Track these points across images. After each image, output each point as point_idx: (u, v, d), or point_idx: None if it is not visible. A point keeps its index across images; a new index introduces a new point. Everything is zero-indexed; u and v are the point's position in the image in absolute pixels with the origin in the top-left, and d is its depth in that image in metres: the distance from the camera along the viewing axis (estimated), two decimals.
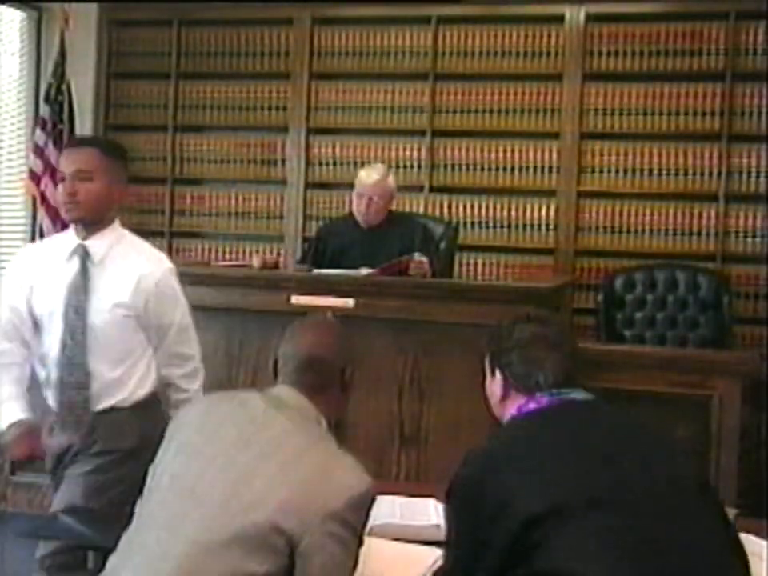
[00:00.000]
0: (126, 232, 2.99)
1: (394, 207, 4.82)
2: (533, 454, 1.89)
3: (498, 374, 2.08)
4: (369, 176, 4.60)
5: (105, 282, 2.85)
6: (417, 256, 4.30)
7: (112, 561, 1.99)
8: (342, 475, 1.93)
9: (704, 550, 1.80)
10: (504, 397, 2.07)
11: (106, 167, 2.88)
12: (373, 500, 1.96)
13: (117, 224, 2.96)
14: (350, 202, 4.88)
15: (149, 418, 2.85)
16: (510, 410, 2.06)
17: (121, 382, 2.86)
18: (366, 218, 4.60)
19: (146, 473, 2.08)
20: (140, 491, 2.06)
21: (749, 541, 2.20)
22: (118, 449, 2.85)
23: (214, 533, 1.87)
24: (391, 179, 4.66)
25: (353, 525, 1.91)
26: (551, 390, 2.01)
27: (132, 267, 2.87)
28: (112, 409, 2.87)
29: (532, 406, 2.02)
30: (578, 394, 2.03)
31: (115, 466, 2.83)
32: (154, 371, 2.93)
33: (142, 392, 2.90)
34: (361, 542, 1.96)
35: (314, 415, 2.08)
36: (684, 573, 1.77)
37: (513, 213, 5.49)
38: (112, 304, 2.83)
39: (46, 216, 5.42)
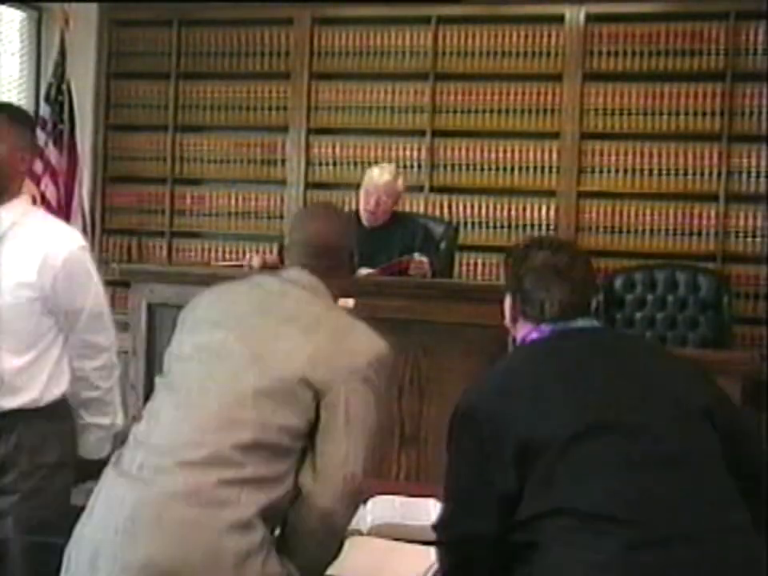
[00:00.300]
0: (35, 208, 2.76)
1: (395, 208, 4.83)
2: (530, 383, 1.92)
3: (509, 296, 2.11)
4: (381, 176, 4.59)
5: (7, 259, 2.54)
6: (417, 256, 4.30)
7: (139, 428, 2.00)
8: (362, 337, 2.03)
9: (698, 478, 1.81)
10: (513, 320, 2.10)
11: (10, 132, 2.60)
12: (390, 365, 2.04)
13: (25, 198, 2.67)
14: (350, 202, 4.89)
15: (66, 428, 2.65)
16: (519, 335, 2.10)
17: (30, 376, 2.55)
18: (372, 216, 4.59)
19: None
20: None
21: None
22: (43, 463, 2.58)
23: (244, 387, 1.92)
24: (401, 181, 4.66)
25: (375, 383, 1.99)
26: (555, 320, 2.02)
27: (38, 244, 2.55)
28: (22, 411, 2.55)
29: (534, 335, 2.04)
30: (584, 322, 2.03)
31: (43, 484, 2.58)
32: (67, 366, 2.63)
33: (57, 391, 2.60)
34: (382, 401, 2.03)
35: (327, 292, 2.14)
36: (675, 498, 1.77)
37: (513, 213, 5.49)
38: (15, 284, 2.53)
39: None
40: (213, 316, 2.09)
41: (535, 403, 1.88)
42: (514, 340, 2.16)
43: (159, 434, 1.94)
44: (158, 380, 2.08)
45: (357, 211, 4.72)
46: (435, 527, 1.97)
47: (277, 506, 1.89)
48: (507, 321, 2.13)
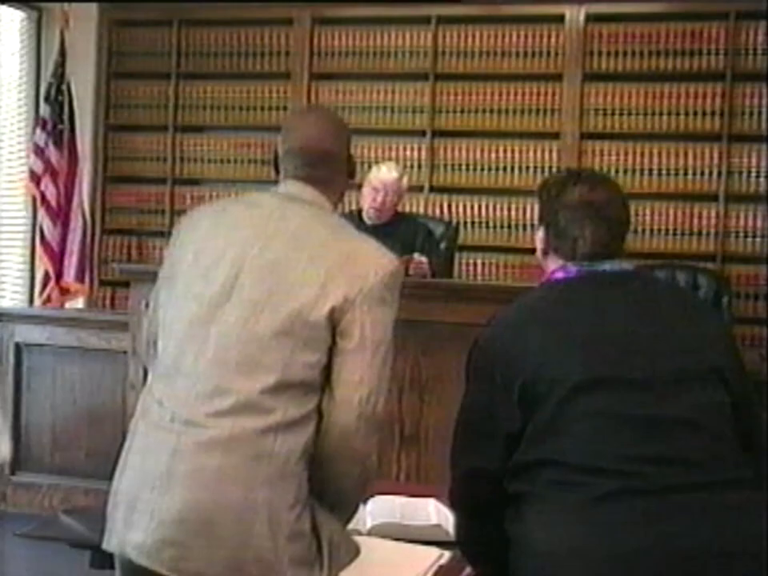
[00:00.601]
0: None
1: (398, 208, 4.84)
2: (545, 325, 1.90)
3: (542, 229, 2.05)
4: (389, 172, 4.61)
5: None
6: (417, 256, 4.31)
7: (160, 379, 1.96)
8: (371, 257, 1.97)
9: (697, 438, 1.80)
10: (544, 253, 2.05)
11: None
12: (401, 281, 2.01)
13: None
14: (350, 202, 4.89)
15: None
16: (547, 269, 2.05)
17: None
18: (378, 214, 4.59)
19: None
20: None
21: None
22: None
23: (261, 329, 1.88)
24: (406, 180, 4.68)
25: (390, 301, 1.97)
26: (583, 261, 1.97)
27: None
28: None
29: (560, 275, 2.00)
30: (613, 265, 1.98)
31: None
32: None
33: None
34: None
35: (328, 206, 2.07)
36: (671, 454, 1.78)
37: (513, 213, 5.49)
38: None
39: (46, 216, 5.43)
40: (215, 246, 1.98)
41: (546, 347, 1.87)
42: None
43: (184, 385, 1.90)
44: (161, 330, 2.01)
45: (359, 210, 4.73)
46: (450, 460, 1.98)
47: (311, 446, 1.90)
48: (538, 253, 2.08)
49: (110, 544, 1.95)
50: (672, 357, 1.86)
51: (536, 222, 2.08)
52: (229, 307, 1.91)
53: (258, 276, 1.92)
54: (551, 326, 1.90)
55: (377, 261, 1.96)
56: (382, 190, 4.55)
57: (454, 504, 2.02)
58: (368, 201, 4.60)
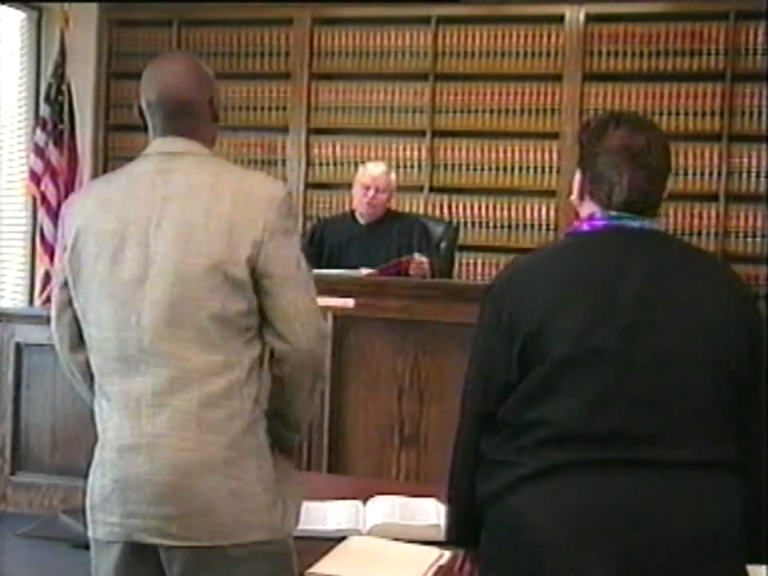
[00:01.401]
0: None
1: (393, 207, 4.84)
2: (557, 280, 1.86)
3: (579, 172, 2.00)
4: (376, 168, 4.67)
5: None
6: (417, 256, 4.31)
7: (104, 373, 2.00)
8: (261, 191, 1.98)
9: (683, 418, 1.78)
10: (581, 197, 1.99)
11: None
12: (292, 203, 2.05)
13: None
14: (350, 202, 4.89)
15: None
16: (582, 214, 1.99)
17: None
18: (368, 210, 4.62)
19: None
20: None
21: None
22: None
23: (187, 299, 1.91)
24: (393, 177, 4.74)
25: (290, 227, 2.00)
26: (618, 209, 1.91)
27: None
28: None
29: (585, 227, 1.94)
30: (643, 223, 1.93)
31: None
32: None
33: None
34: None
35: (205, 151, 2.05)
36: (653, 431, 1.77)
37: (513, 213, 5.49)
38: None
39: (46, 216, 5.42)
40: (112, 230, 1.96)
41: (556, 299, 1.84)
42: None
43: (138, 378, 1.94)
44: (84, 323, 2.02)
45: (351, 211, 4.75)
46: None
47: (266, 387, 2.00)
48: (574, 197, 2.02)
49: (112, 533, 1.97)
50: (674, 336, 1.81)
51: (575, 169, 2.03)
52: (149, 286, 1.93)
53: (166, 248, 1.93)
54: (565, 279, 1.86)
55: (268, 193, 1.98)
56: (372, 185, 4.61)
57: (457, 453, 1.97)
58: (359, 198, 4.64)
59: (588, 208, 1.96)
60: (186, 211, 1.94)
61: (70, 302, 2.05)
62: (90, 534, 2.02)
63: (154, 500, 1.91)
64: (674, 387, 1.79)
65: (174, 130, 2.04)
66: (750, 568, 1.88)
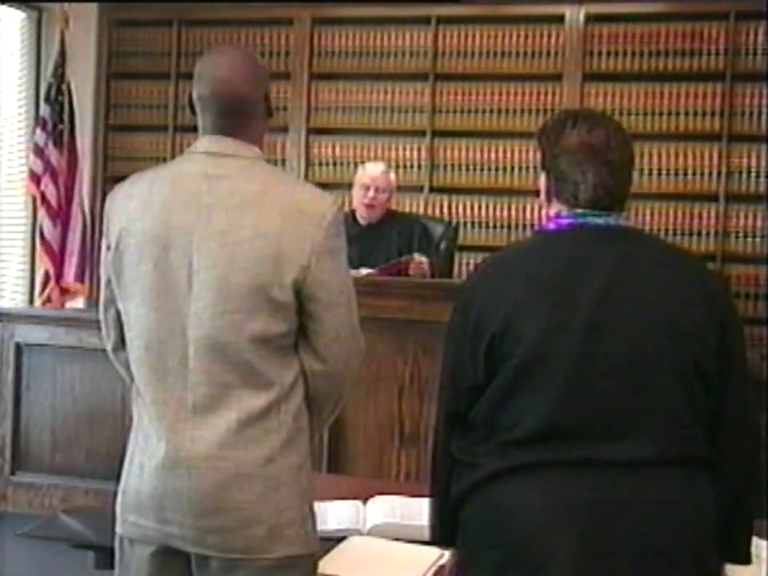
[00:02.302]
0: None
1: (393, 207, 4.85)
2: (521, 280, 1.87)
3: (544, 175, 2.00)
4: (375, 168, 4.69)
5: None
6: (417, 256, 4.31)
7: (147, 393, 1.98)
8: (310, 208, 1.93)
9: (646, 413, 1.79)
10: (548, 199, 1.99)
11: None
12: (343, 217, 2.02)
13: None
14: (350, 202, 4.89)
15: None
16: (549, 214, 1.99)
17: None
18: (369, 211, 4.63)
19: None
20: None
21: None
22: None
23: (228, 315, 1.88)
24: (393, 177, 4.76)
25: (338, 247, 1.97)
26: (586, 207, 1.90)
27: None
28: None
29: (552, 225, 1.95)
30: (608, 220, 1.90)
31: None
32: None
33: None
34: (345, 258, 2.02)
35: (254, 153, 1.99)
36: (619, 428, 1.78)
37: (513, 213, 5.49)
38: None
39: (46, 216, 5.42)
40: (154, 235, 1.91)
41: (519, 300, 1.85)
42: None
43: (175, 389, 1.93)
44: (127, 328, 1.99)
45: (352, 212, 4.75)
46: None
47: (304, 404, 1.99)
48: (542, 199, 2.02)
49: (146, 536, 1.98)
50: (638, 335, 1.80)
51: (538, 170, 2.04)
52: (194, 299, 1.89)
53: (210, 262, 1.88)
54: (528, 280, 1.87)
55: (317, 211, 1.93)
56: (372, 185, 4.62)
57: (434, 454, 2.01)
58: (359, 199, 4.66)
59: (555, 209, 1.96)
60: (232, 225, 1.88)
61: (113, 300, 2.03)
62: (118, 530, 2.00)
63: (191, 513, 1.90)
64: (638, 387, 1.79)
65: (225, 128, 1.97)
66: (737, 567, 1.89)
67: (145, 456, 1.96)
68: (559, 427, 1.79)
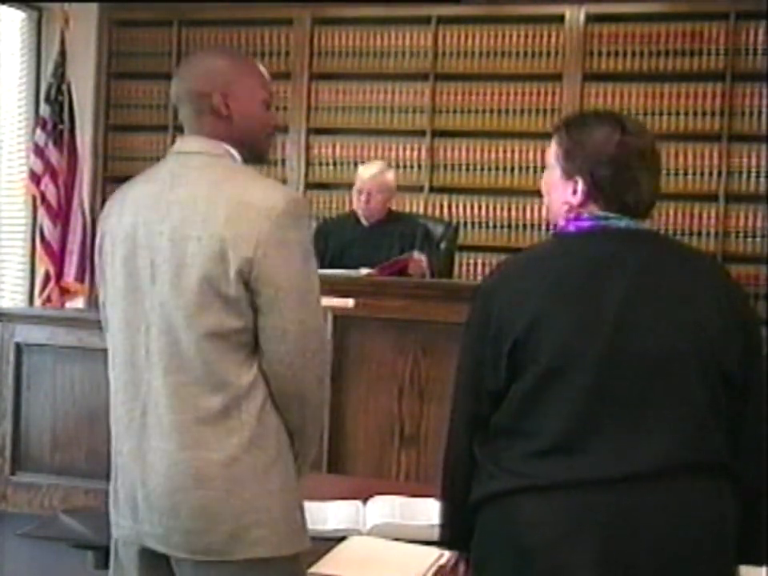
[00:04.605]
0: None
1: (394, 207, 4.85)
2: (544, 284, 1.81)
3: (581, 182, 1.87)
4: (367, 170, 4.70)
5: None
6: (416, 254, 4.32)
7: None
8: (259, 202, 1.87)
9: (664, 424, 1.76)
10: (581, 205, 1.88)
11: None
12: (305, 212, 1.94)
13: None
14: (350, 202, 4.90)
15: None
16: (568, 216, 1.90)
17: None
18: (365, 213, 4.66)
19: None
20: None
21: None
22: None
23: (182, 309, 1.87)
24: (390, 175, 4.73)
25: (291, 240, 1.87)
26: (600, 213, 1.86)
27: None
28: None
29: (572, 228, 1.88)
30: (626, 222, 1.87)
31: None
32: None
33: None
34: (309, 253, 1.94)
35: (220, 151, 1.96)
36: (635, 441, 1.75)
37: (513, 213, 5.49)
38: None
39: (46, 216, 5.42)
40: (126, 234, 1.95)
41: (539, 310, 1.80)
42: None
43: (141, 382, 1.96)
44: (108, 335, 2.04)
45: (354, 212, 4.77)
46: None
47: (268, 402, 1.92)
48: (562, 203, 1.90)
49: (129, 536, 2.00)
50: (662, 338, 1.78)
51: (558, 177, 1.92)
52: (155, 296, 1.91)
53: (166, 259, 1.90)
54: (552, 284, 1.82)
55: (266, 204, 1.86)
56: (364, 189, 4.64)
57: (450, 455, 1.94)
58: (355, 202, 4.69)
59: (588, 212, 1.89)
60: (184, 221, 1.89)
61: (103, 302, 2.07)
62: (112, 531, 2.04)
63: (156, 510, 1.91)
64: (664, 393, 1.77)
65: (191, 126, 1.99)
66: (745, 569, 1.88)
67: (119, 456, 2.00)
68: (583, 435, 1.76)
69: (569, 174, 1.88)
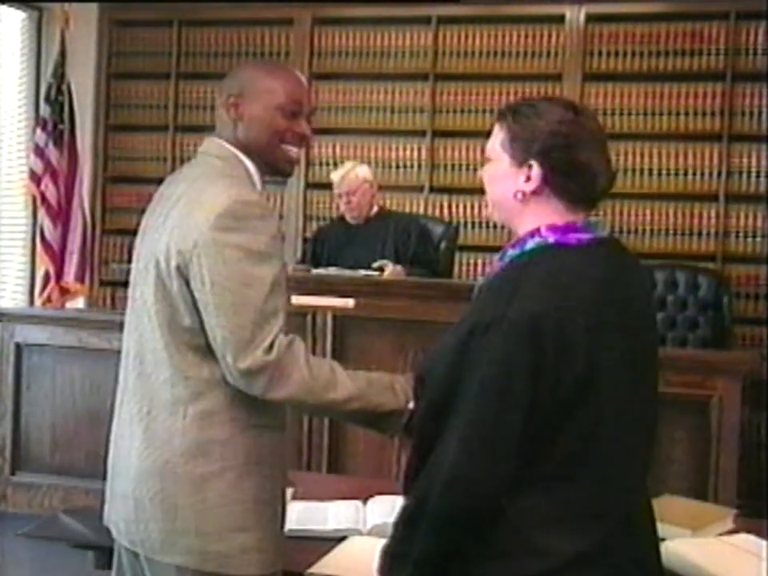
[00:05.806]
0: None
1: (393, 207, 4.87)
2: (588, 306, 1.60)
3: (535, 166, 1.67)
4: (337, 174, 4.76)
5: None
6: (390, 266, 4.36)
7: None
8: (208, 202, 1.83)
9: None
10: (536, 192, 1.68)
11: None
12: (255, 213, 1.84)
13: None
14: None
15: None
16: (532, 218, 1.70)
17: None
18: (351, 214, 4.70)
19: None
20: None
21: (748, 541, 2.20)
22: None
23: (148, 305, 1.91)
24: (361, 170, 4.73)
25: (229, 243, 1.80)
26: (591, 220, 1.70)
27: None
28: None
29: (573, 240, 1.67)
30: (602, 228, 1.72)
31: None
32: None
33: None
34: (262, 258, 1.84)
35: (217, 153, 1.96)
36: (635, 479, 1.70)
37: None
38: None
39: (46, 216, 5.43)
40: (141, 234, 2.03)
41: (595, 333, 1.58)
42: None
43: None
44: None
45: (342, 214, 4.83)
46: (422, 487, 1.66)
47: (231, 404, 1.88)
48: (510, 195, 1.70)
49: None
50: (646, 340, 1.73)
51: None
52: (138, 287, 1.97)
53: (146, 251, 1.95)
54: (593, 308, 1.61)
55: (210, 205, 1.82)
56: (341, 191, 4.69)
57: (424, 558, 1.62)
58: (341, 207, 4.83)
59: (545, 210, 1.69)
60: (160, 216, 1.94)
61: None
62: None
63: (112, 496, 1.99)
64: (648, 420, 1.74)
65: (216, 128, 2.02)
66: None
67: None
68: (632, 502, 1.67)
69: (520, 161, 1.69)
